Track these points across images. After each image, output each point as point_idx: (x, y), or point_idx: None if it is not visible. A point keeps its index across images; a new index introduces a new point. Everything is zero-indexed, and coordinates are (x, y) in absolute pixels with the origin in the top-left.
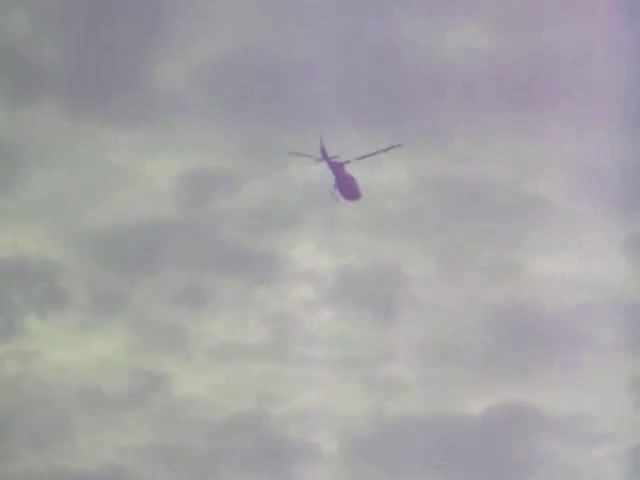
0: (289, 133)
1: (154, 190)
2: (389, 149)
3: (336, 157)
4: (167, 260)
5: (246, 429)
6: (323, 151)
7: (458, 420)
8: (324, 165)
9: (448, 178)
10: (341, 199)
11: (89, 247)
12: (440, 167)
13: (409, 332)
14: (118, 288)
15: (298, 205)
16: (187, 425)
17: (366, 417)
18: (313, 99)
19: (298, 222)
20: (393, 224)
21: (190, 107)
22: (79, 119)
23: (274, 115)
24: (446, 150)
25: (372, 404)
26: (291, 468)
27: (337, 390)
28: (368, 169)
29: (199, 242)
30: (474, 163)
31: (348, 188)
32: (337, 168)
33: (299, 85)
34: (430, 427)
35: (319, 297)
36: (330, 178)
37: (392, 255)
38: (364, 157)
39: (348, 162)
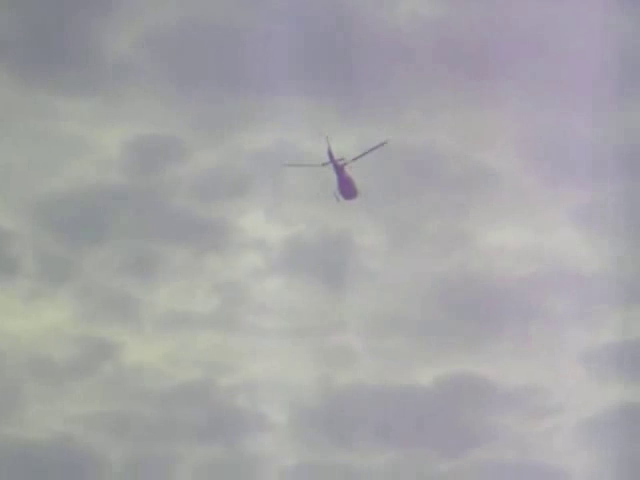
0: (238, 101)
1: (103, 158)
2: (377, 147)
3: (342, 159)
4: (117, 228)
5: (195, 398)
6: (330, 154)
7: (408, 390)
8: (330, 166)
9: (397, 148)
10: (341, 199)
11: (38, 215)
12: (389, 137)
13: (359, 302)
14: (67, 256)
15: (248, 174)
16: (136, 394)
17: (315, 387)
18: (262, 68)
19: (248, 191)
20: None
21: (140, 75)
22: (27, 88)
23: (224, 83)
24: (395, 120)
25: (322, 374)
26: (240, 438)
27: (286, 360)
28: (318, 141)
29: (149, 210)
30: (423, 133)
31: (349, 188)
32: (340, 170)
33: (248, 53)
34: (380, 397)
35: (269, 266)
36: (333, 180)
37: (342, 225)
38: (357, 158)
39: (346, 164)
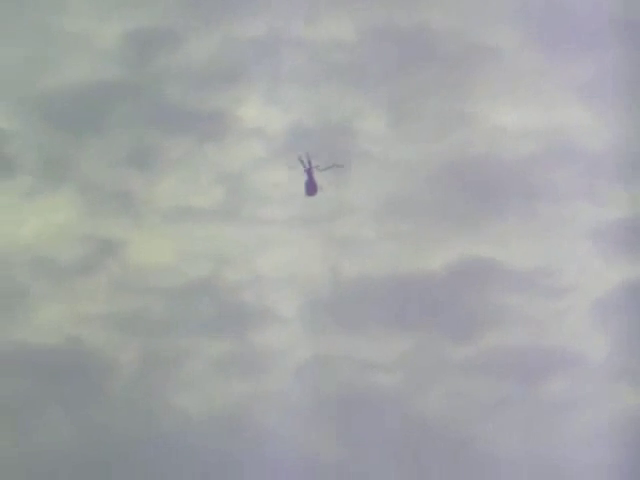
0: None
1: (100, 51)
2: (331, 167)
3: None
4: (115, 122)
5: (203, 293)
6: (309, 164)
7: (417, 277)
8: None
9: (395, 28)
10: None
11: (35, 112)
12: (386, 17)
13: (363, 189)
14: (65, 152)
15: (243, 61)
16: (143, 291)
17: (324, 277)
18: None
19: (244, 78)
20: (340, 78)
21: None
22: None
23: None
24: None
25: (330, 263)
26: (249, 332)
27: (293, 251)
28: (310, 23)
29: (147, 102)
30: (421, 12)
31: (313, 188)
32: (312, 175)
33: None
34: (389, 284)
35: (270, 155)
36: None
37: (342, 109)
38: (326, 169)
39: (315, 169)
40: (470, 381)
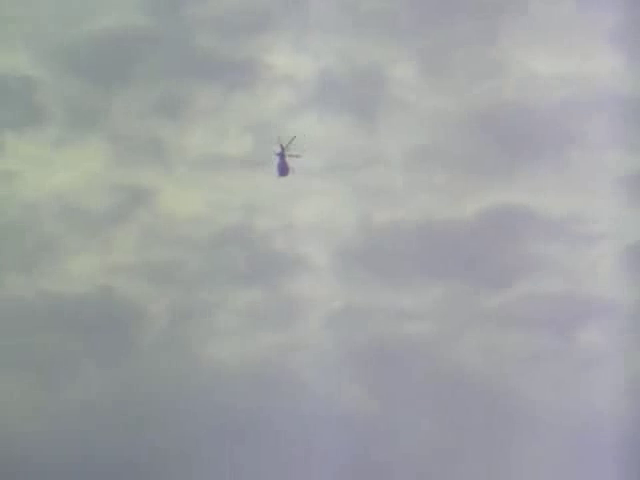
0: None
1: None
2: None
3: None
4: (143, 71)
5: (233, 244)
6: (282, 149)
7: (449, 225)
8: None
9: None
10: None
11: (63, 61)
12: None
13: (394, 136)
14: (95, 102)
15: (273, 9)
16: (173, 241)
17: (355, 226)
18: None
19: (274, 26)
20: (371, 25)
21: None
22: None
23: None
24: None
25: (361, 212)
26: (281, 281)
27: (324, 199)
28: None
29: (174, 51)
30: None
31: (284, 169)
32: (284, 158)
33: None
34: (421, 234)
35: (300, 102)
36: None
37: (372, 57)
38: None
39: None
40: (503, 330)
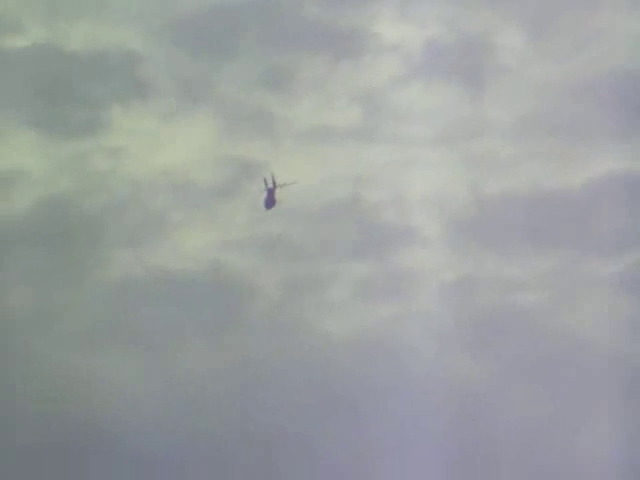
0: None
1: None
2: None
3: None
4: (249, 42)
5: (343, 216)
6: (273, 184)
7: (560, 193)
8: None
9: None
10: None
11: (168, 35)
12: None
13: (502, 105)
14: (201, 74)
15: None
16: (283, 214)
17: (465, 196)
18: None
19: None
20: None
21: None
22: None
23: None
24: None
25: (470, 182)
26: (391, 254)
27: (433, 170)
28: None
29: (280, 22)
30: None
31: (271, 203)
32: (272, 193)
33: None
34: (532, 203)
35: (407, 72)
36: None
37: (480, 25)
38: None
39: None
40: (615, 299)
